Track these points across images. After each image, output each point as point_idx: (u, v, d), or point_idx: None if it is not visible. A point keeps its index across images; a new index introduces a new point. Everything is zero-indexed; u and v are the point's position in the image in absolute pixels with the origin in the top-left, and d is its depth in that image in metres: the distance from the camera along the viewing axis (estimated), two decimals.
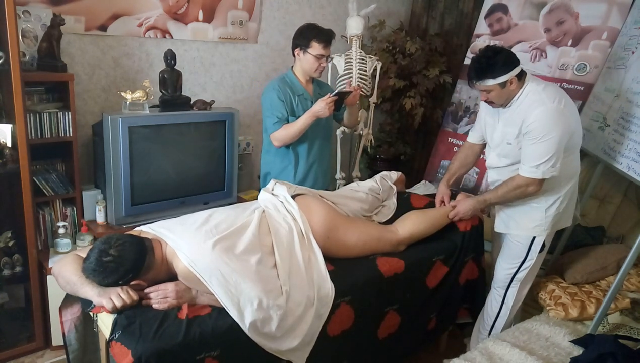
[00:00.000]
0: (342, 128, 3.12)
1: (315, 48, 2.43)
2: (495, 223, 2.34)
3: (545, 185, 2.10)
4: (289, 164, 2.59)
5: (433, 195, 2.50)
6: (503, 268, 2.33)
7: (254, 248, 1.79)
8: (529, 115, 1.97)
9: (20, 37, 2.25)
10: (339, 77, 3.15)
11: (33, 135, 2.32)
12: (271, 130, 2.50)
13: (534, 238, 2.21)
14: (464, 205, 2.28)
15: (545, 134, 1.94)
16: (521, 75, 2.02)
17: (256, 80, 3.40)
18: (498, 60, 1.97)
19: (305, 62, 2.49)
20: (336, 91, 2.39)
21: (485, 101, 2.10)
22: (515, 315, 2.42)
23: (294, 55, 2.54)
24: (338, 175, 3.29)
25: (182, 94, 2.79)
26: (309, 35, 2.44)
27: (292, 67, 2.60)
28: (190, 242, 1.70)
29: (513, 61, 1.99)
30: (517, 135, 2.05)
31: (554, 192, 2.15)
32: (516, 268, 2.28)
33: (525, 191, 2.07)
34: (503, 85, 1.99)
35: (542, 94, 1.99)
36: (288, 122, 2.48)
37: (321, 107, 2.37)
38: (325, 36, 2.44)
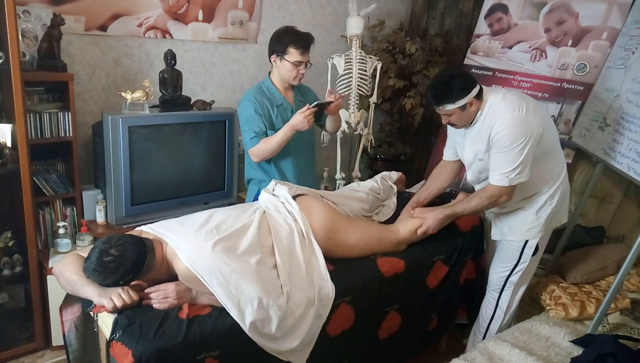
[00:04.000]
0: (342, 128, 3.12)
1: (293, 54, 2.25)
2: (492, 232, 2.34)
3: (534, 189, 2.11)
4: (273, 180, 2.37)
5: None
6: (496, 271, 2.33)
7: (254, 248, 1.79)
8: (493, 128, 1.97)
9: (20, 37, 2.24)
10: (339, 77, 3.15)
11: (33, 135, 2.32)
12: (249, 146, 2.35)
13: (527, 241, 2.21)
14: (431, 219, 2.17)
15: (511, 143, 1.94)
16: (480, 94, 2.01)
17: (256, 80, 3.38)
18: (455, 85, 1.95)
19: (282, 69, 2.31)
20: (315, 103, 2.24)
21: (448, 123, 2.10)
22: (512, 317, 2.42)
23: (270, 62, 2.37)
24: (338, 175, 3.29)
25: (182, 94, 2.79)
26: (285, 40, 2.26)
27: (269, 73, 2.42)
28: (191, 242, 1.70)
29: (470, 83, 1.97)
30: (486, 151, 2.05)
31: (543, 194, 2.15)
32: (509, 271, 2.28)
33: (498, 201, 2.07)
34: (463, 108, 1.98)
35: (501, 105, 1.98)
36: (267, 135, 2.32)
37: (299, 120, 2.22)
38: (303, 41, 2.26)
